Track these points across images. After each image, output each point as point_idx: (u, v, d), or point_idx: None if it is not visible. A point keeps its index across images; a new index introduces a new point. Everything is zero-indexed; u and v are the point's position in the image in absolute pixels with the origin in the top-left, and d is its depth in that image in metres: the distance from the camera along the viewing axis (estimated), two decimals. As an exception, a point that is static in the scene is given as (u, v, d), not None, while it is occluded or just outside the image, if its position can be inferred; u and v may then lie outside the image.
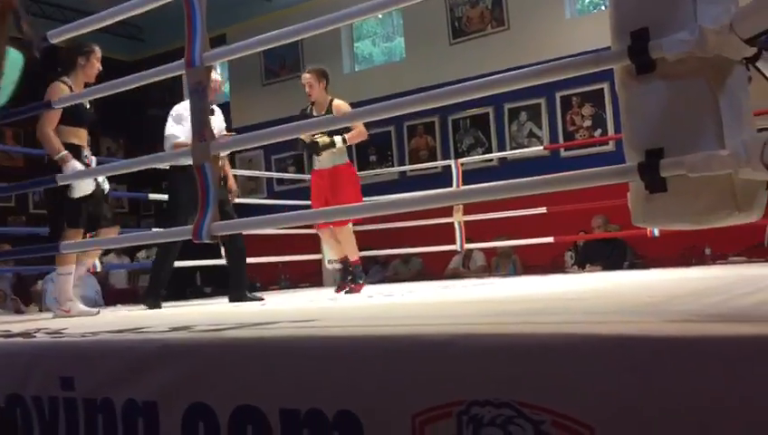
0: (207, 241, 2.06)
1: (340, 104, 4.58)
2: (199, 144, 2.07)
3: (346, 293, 4.54)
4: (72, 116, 3.67)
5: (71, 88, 3.67)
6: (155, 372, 1.55)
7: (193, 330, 1.87)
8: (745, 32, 1.32)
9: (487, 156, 8.17)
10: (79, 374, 1.68)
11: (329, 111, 4.53)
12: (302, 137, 4.53)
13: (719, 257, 7.05)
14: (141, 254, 9.19)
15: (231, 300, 4.44)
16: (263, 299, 4.45)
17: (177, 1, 2.23)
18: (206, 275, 9.63)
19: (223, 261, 5.59)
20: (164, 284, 4.49)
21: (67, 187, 3.51)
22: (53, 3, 9.64)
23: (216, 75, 4.61)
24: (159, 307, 4.18)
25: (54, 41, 2.61)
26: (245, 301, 4.33)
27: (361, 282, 4.63)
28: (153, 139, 5.19)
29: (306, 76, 4.61)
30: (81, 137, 3.76)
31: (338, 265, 5.00)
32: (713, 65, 1.38)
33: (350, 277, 4.65)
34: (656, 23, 1.42)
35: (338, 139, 4.55)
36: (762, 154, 1.27)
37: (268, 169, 9.85)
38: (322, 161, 4.70)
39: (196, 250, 3.49)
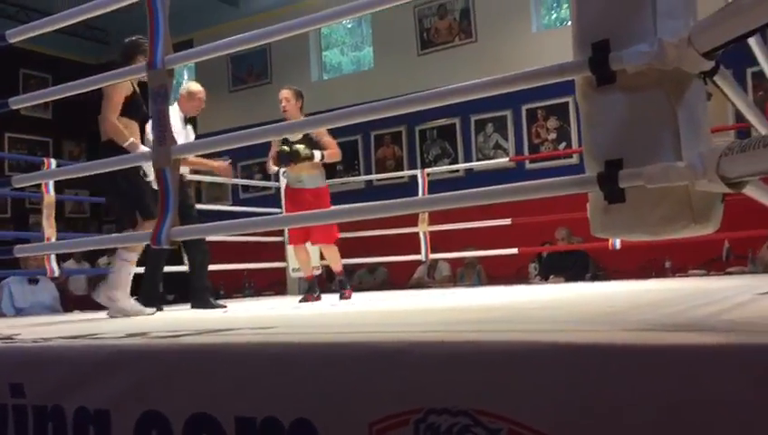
0: (167, 247, 2.03)
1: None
2: (160, 148, 2.04)
3: (341, 299, 4.72)
4: (130, 109, 3.83)
5: (131, 83, 3.83)
6: (108, 378, 1.52)
7: (149, 336, 1.83)
8: (703, 46, 1.34)
9: (454, 166, 8.21)
10: (29, 381, 1.64)
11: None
12: (283, 148, 4.61)
13: (679, 270, 7.17)
14: (102, 260, 9.03)
15: (193, 307, 4.39)
16: (225, 307, 4.39)
17: (143, 4, 2.20)
18: (169, 282, 9.51)
19: (186, 268, 5.55)
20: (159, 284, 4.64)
21: (142, 176, 3.64)
22: (17, 3, 9.48)
23: (200, 91, 4.67)
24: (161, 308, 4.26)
25: (12, 40, 2.55)
26: (208, 308, 4.29)
27: (349, 287, 5.05)
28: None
29: (284, 92, 4.73)
30: (133, 130, 3.84)
31: (302, 275, 5.11)
32: (672, 78, 1.40)
33: (340, 286, 4.94)
34: (616, 35, 1.44)
35: (317, 153, 4.68)
36: (718, 166, 1.28)
37: (234, 177, 9.76)
38: (305, 181, 4.82)
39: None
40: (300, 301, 4.81)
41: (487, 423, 1.14)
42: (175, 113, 4.32)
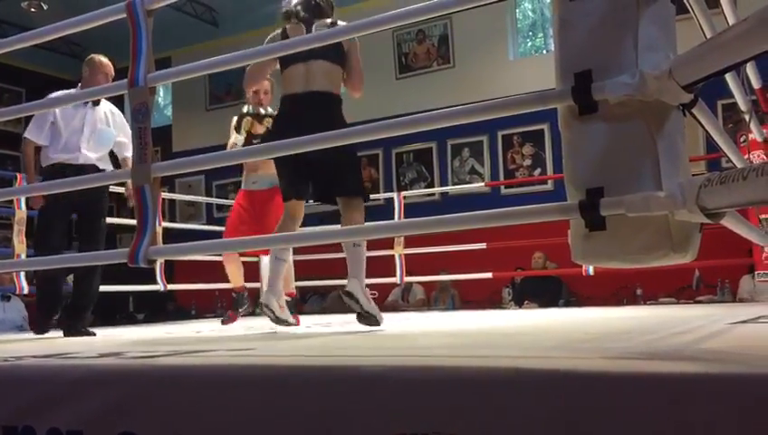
0: (144, 265, 2.01)
1: None
2: (140, 166, 2.02)
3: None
4: None
5: None
6: (81, 399, 1.48)
7: (123, 356, 1.80)
8: (684, 78, 1.36)
9: (429, 190, 8.25)
10: (-1, 400, 1.60)
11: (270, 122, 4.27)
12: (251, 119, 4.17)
13: (650, 298, 7.25)
14: (69, 277, 8.89)
15: (66, 331, 3.89)
16: (94, 334, 3.83)
17: (120, 21, 2.20)
18: (139, 301, 9.39)
19: (157, 286, 5.47)
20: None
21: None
22: (-7, 17, 9.40)
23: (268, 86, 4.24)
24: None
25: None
26: (78, 334, 3.78)
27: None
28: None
29: (267, 84, 4.26)
30: None
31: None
32: (652, 109, 1.42)
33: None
34: (599, 65, 1.46)
35: None
36: (697, 197, 1.31)
37: (209, 195, 9.72)
38: (260, 181, 4.36)
39: (129, 274, 3.36)
40: (223, 322, 4.40)
41: (468, 449, 1.14)
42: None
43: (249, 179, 4.45)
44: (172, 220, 9.41)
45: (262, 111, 4.22)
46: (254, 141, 4.10)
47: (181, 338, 3.15)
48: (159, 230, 4.23)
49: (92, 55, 4.10)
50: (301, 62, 3.19)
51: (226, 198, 9.43)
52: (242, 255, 4.69)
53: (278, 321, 3.27)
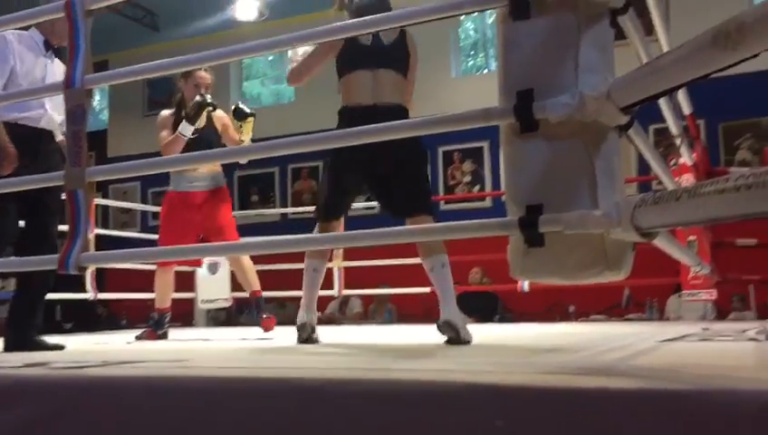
0: (74, 272, 1.94)
1: (222, 115, 4.03)
2: (74, 169, 1.96)
3: (264, 329, 3.82)
4: None
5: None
6: (6, 411, 1.42)
7: (51, 367, 1.73)
8: (621, 101, 1.40)
9: (370, 203, 8.25)
10: None
11: (210, 118, 3.95)
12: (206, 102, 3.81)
13: (581, 315, 7.42)
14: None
15: (7, 346, 3.03)
16: (62, 347, 2.97)
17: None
18: (66, 310, 9.08)
19: (87, 295, 5.26)
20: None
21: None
22: None
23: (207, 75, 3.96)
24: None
25: None
26: (30, 348, 2.92)
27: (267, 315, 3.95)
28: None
29: (210, 78, 3.99)
30: None
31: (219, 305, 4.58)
32: (591, 130, 1.46)
33: (257, 311, 3.98)
34: (540, 85, 1.49)
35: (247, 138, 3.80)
36: (632, 217, 1.34)
37: (144, 202, 9.50)
38: (199, 180, 3.94)
39: (57, 281, 3.14)
40: (137, 337, 3.90)
41: (406, 464, 1.13)
42: (31, 40, 3.15)
43: (183, 179, 3.95)
44: (105, 227, 9.16)
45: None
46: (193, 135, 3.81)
47: (111, 349, 3.06)
48: (92, 237, 3.99)
49: None
50: (366, 70, 2.97)
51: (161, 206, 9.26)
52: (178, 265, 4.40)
53: (307, 342, 2.99)
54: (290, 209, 8.61)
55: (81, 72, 2.02)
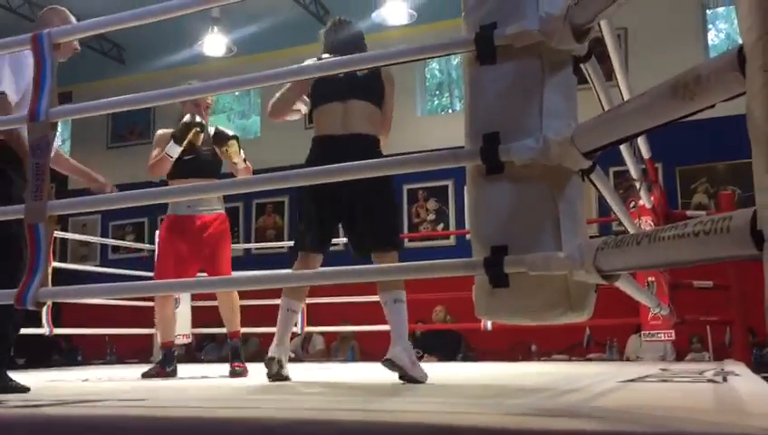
0: (32, 308, 1.90)
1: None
2: (35, 202, 1.93)
3: (233, 374, 3.57)
4: None
5: None
6: (-46, 451, 1.37)
7: (4, 405, 1.68)
8: (584, 146, 1.44)
9: (334, 240, 8.24)
10: None
11: (207, 136, 3.80)
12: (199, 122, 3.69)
13: (543, 354, 7.46)
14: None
15: None
16: (27, 389, 2.54)
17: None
18: (19, 344, 8.83)
19: (42, 330, 5.10)
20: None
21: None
22: None
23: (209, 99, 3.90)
24: None
25: None
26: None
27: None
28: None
29: (211, 98, 3.99)
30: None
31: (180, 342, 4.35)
32: (554, 173, 1.49)
33: (233, 353, 3.77)
34: (506, 128, 1.52)
35: (242, 156, 3.74)
36: (594, 259, 1.36)
37: (104, 236, 9.36)
38: (200, 204, 3.76)
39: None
40: (144, 375, 3.70)
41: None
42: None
43: (182, 202, 3.76)
44: (63, 260, 8.98)
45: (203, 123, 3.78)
46: (185, 156, 3.69)
47: (67, 386, 2.98)
48: (49, 270, 3.81)
49: (60, 8, 2.99)
50: (338, 101, 3.00)
51: (123, 240, 9.12)
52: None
53: (276, 377, 2.93)
54: (253, 245, 8.55)
55: (47, 104, 2.00)
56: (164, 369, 3.71)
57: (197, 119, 3.70)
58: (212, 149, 3.80)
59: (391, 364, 2.70)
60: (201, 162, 3.75)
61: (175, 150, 3.66)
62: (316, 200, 2.97)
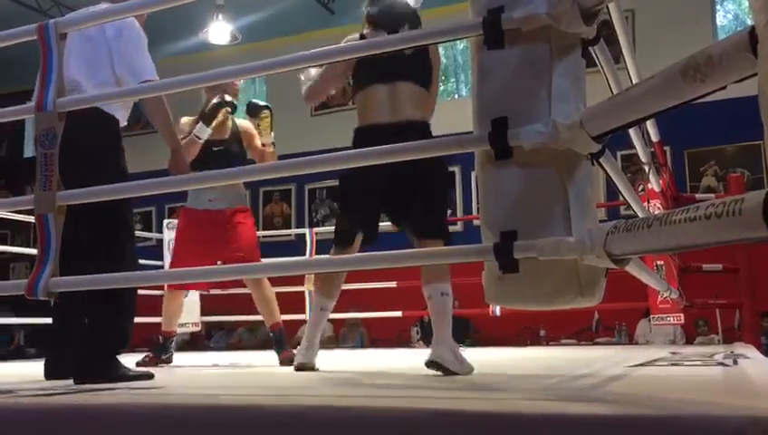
0: (43, 298, 1.91)
1: (248, 127, 3.80)
2: (44, 193, 1.93)
3: (283, 363, 3.44)
4: None
5: None
6: (-31, 441, 1.38)
7: (17, 394, 1.70)
8: (593, 129, 1.43)
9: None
10: None
11: (235, 129, 3.75)
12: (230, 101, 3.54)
13: (552, 339, 7.47)
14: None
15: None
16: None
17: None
18: (30, 334, 8.89)
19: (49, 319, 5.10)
20: None
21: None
22: None
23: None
24: None
25: None
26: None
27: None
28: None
29: (239, 84, 3.89)
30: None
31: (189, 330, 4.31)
32: (564, 157, 1.48)
33: (277, 344, 3.67)
34: (514, 113, 1.52)
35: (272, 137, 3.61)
36: (605, 243, 1.36)
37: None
38: (221, 198, 3.63)
39: (19, 306, 2.96)
40: (138, 363, 3.44)
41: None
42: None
43: (203, 196, 3.62)
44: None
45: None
46: (214, 147, 3.56)
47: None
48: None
49: None
50: (382, 84, 2.71)
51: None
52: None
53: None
54: (261, 233, 8.56)
55: (54, 95, 2.00)
56: (158, 356, 3.67)
57: (227, 98, 3.56)
58: (239, 139, 3.70)
59: (437, 366, 2.41)
60: (231, 155, 3.61)
61: (204, 132, 3.53)
62: (361, 193, 2.75)
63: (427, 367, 2.45)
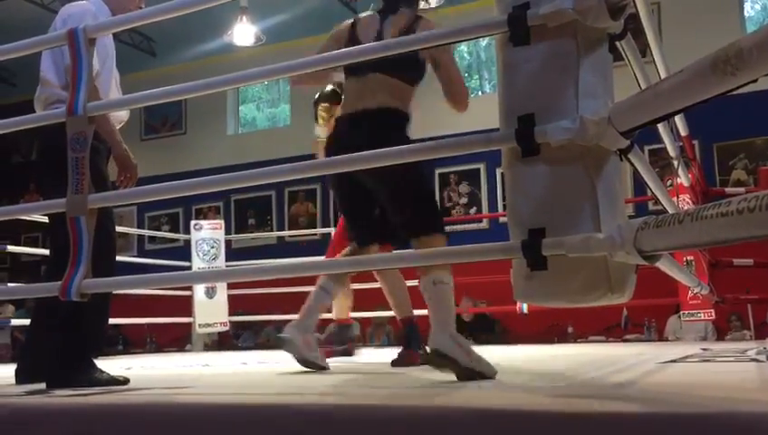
0: (77, 299, 1.93)
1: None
2: (76, 196, 1.96)
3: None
4: None
5: None
6: (8, 440, 1.41)
7: (53, 395, 1.73)
8: (622, 125, 1.42)
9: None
10: None
11: None
12: None
13: (580, 336, 7.40)
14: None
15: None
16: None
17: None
18: None
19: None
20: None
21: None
22: None
23: None
24: None
25: None
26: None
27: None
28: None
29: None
30: None
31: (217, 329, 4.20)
32: (592, 154, 1.47)
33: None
34: (541, 109, 1.51)
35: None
36: (635, 239, 1.35)
37: (140, 227, 9.50)
38: None
39: None
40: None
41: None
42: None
43: None
44: (101, 252, 9.13)
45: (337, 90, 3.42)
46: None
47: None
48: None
49: None
50: (354, 76, 2.62)
51: (158, 230, 9.25)
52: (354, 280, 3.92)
53: (305, 362, 2.71)
54: (287, 232, 8.62)
55: (84, 99, 2.03)
56: (333, 346, 3.73)
57: (323, 89, 3.47)
58: None
59: (441, 357, 2.14)
60: None
61: (319, 130, 3.56)
62: (340, 194, 2.75)
63: (426, 362, 2.30)
